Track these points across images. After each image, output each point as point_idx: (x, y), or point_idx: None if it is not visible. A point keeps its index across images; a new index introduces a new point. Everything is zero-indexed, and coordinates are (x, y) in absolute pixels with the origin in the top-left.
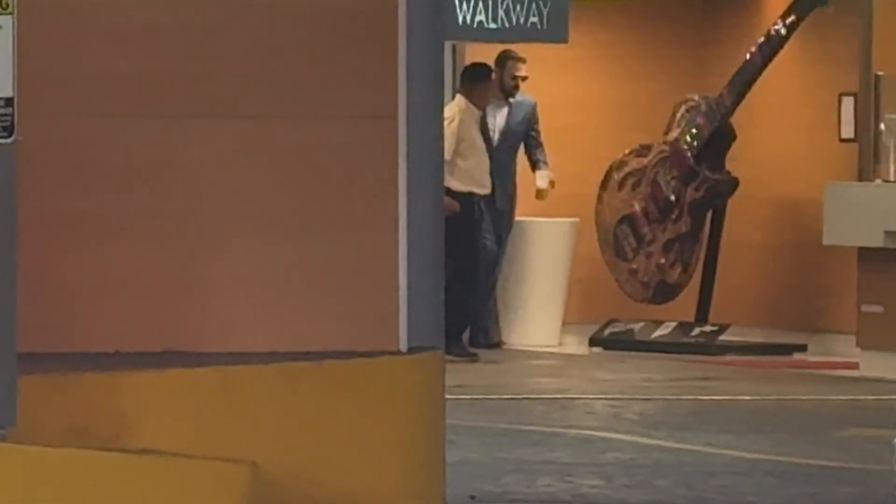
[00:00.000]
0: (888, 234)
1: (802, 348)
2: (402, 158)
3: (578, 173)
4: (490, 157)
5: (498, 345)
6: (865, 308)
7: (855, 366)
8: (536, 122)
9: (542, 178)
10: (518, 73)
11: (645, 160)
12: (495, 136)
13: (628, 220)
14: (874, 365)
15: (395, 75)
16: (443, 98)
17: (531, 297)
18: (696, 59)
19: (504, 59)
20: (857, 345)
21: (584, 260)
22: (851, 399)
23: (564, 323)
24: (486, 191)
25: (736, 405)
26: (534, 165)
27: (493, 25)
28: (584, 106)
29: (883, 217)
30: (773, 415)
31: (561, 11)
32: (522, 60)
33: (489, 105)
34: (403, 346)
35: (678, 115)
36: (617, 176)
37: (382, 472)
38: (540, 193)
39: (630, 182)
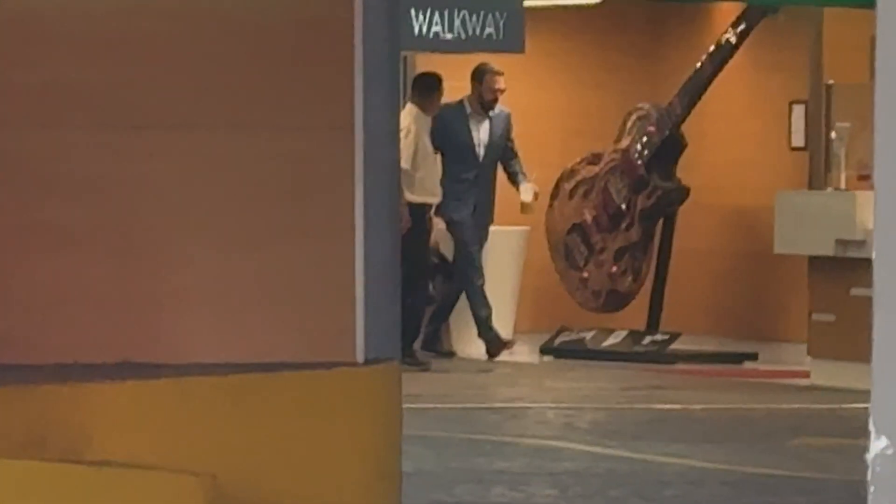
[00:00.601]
0: (839, 242)
1: (753, 357)
2: (358, 169)
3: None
4: (476, 173)
5: (449, 355)
6: (816, 317)
7: (806, 374)
8: (511, 131)
9: (526, 192)
10: (497, 87)
11: (596, 168)
12: (480, 152)
13: (579, 228)
14: (825, 374)
15: (351, 86)
16: (399, 108)
17: None
18: (647, 68)
19: (482, 73)
20: (809, 353)
21: (535, 268)
22: (803, 408)
23: (516, 332)
24: (438, 199)
25: (688, 414)
26: (512, 177)
27: (449, 36)
28: (535, 114)
29: (834, 225)
30: (726, 424)
31: (517, 22)
32: (500, 73)
33: (471, 121)
34: (360, 358)
35: (629, 124)
36: (567, 185)
37: (340, 484)
38: (525, 207)
39: (581, 191)
